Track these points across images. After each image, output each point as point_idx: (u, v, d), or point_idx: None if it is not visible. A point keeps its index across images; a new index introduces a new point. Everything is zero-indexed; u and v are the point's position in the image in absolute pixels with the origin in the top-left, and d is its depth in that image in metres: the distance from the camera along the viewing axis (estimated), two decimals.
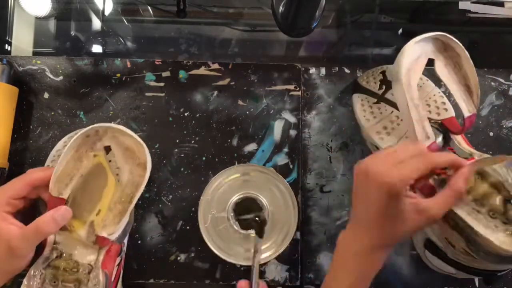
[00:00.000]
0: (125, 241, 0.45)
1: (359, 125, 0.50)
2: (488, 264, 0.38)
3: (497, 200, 0.35)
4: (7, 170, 0.47)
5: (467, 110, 0.40)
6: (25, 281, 0.37)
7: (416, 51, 0.40)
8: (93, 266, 0.39)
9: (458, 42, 0.40)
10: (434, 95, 0.44)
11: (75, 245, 0.40)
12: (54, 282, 0.38)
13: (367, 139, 0.47)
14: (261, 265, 0.47)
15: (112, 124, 0.40)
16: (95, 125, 0.39)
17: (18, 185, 0.38)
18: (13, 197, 0.38)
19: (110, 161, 0.42)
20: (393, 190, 0.32)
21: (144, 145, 0.40)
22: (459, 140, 0.40)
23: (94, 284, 0.38)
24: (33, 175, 0.39)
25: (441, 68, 0.41)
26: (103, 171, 0.41)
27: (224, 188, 0.46)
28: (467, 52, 0.40)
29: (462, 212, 0.35)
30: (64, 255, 0.39)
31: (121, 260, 0.44)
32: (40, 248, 0.38)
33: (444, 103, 0.43)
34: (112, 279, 0.41)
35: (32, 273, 0.38)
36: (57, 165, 0.38)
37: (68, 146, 0.39)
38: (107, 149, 0.41)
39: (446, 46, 0.42)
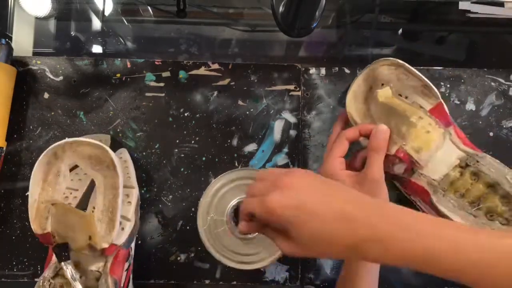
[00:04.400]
0: (132, 245, 0.45)
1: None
2: None
3: (495, 200, 0.35)
4: (5, 149, 0.48)
5: (428, 104, 0.40)
6: None
7: (366, 83, 0.43)
8: (101, 272, 0.38)
9: (393, 58, 0.42)
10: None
11: (82, 254, 0.39)
12: None
13: None
14: None
15: (67, 139, 0.38)
16: (50, 147, 0.38)
17: None
18: None
19: (80, 179, 0.41)
20: (328, 176, 0.37)
21: (103, 145, 0.38)
22: (456, 141, 0.40)
23: None
24: None
25: (396, 84, 0.42)
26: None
27: (224, 191, 0.46)
28: (401, 61, 0.42)
29: (456, 217, 0.35)
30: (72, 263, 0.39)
31: (129, 265, 0.43)
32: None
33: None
34: (122, 285, 0.40)
35: (41, 283, 0.37)
36: (30, 205, 0.37)
37: (32, 181, 0.37)
38: (74, 167, 0.40)
39: (396, 65, 0.42)
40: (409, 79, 0.42)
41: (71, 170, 0.40)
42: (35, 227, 0.37)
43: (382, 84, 0.42)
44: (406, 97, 0.42)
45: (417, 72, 0.41)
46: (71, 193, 0.42)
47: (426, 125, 0.38)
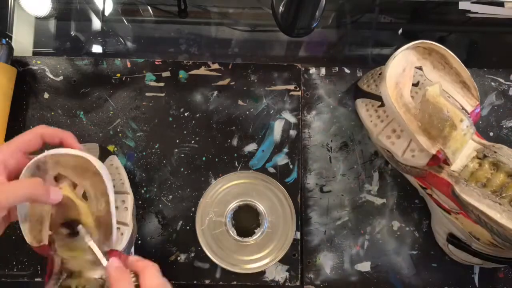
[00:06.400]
0: (132, 250, 0.44)
1: (359, 126, 0.50)
2: None
3: None
4: None
5: (469, 105, 0.40)
6: None
7: (400, 64, 0.41)
8: (104, 279, 0.38)
9: (438, 44, 0.41)
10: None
11: (83, 262, 0.38)
12: None
13: (378, 144, 0.46)
14: None
15: (46, 152, 0.36)
16: (31, 161, 0.35)
17: (28, 136, 0.36)
18: (21, 148, 0.35)
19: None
20: None
21: (83, 154, 0.36)
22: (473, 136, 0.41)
23: None
24: (46, 128, 0.36)
25: (430, 72, 0.42)
26: (72, 203, 0.38)
27: (225, 193, 0.46)
28: (449, 51, 0.41)
29: (482, 206, 0.35)
30: (74, 273, 0.38)
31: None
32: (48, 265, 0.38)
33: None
34: None
35: None
36: (20, 221, 0.36)
37: None
38: (59, 176, 0.38)
39: (430, 50, 0.42)
40: (446, 71, 0.41)
41: (57, 179, 0.39)
42: (30, 241, 0.36)
43: (416, 68, 0.41)
44: (448, 95, 0.41)
45: (459, 63, 0.40)
46: None
47: (464, 127, 0.38)
